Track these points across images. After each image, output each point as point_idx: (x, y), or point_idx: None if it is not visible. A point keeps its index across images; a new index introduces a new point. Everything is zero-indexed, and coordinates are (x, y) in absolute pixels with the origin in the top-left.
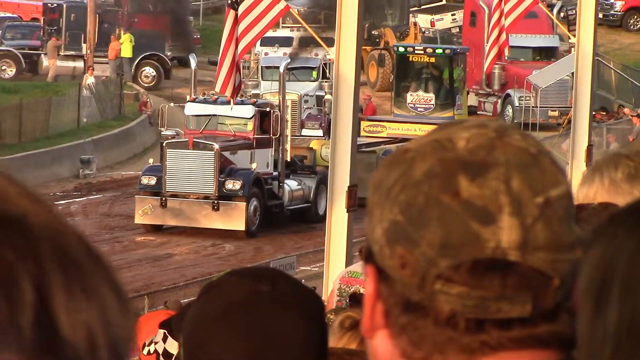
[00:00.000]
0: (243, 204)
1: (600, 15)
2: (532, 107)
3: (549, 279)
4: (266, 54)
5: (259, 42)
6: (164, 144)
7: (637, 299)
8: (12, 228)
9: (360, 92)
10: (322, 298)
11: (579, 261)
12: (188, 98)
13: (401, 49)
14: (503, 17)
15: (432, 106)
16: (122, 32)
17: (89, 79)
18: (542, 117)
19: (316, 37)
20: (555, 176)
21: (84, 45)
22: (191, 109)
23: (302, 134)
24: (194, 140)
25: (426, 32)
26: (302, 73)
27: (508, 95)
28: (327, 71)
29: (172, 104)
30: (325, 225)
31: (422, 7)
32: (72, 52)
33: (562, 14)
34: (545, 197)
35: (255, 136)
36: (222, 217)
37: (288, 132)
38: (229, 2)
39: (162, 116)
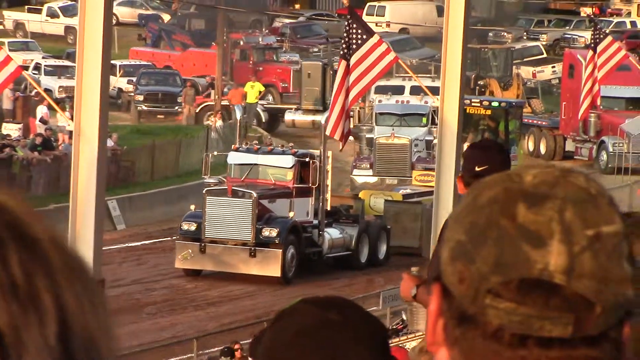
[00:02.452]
0: (279, 251)
1: None
2: (625, 152)
3: (592, 306)
4: (380, 101)
5: (373, 90)
6: (203, 191)
7: None
8: (26, 240)
9: None
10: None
11: (629, 298)
12: (232, 147)
13: None
14: (596, 70)
15: None
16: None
17: (218, 122)
18: (635, 162)
19: (422, 86)
20: (610, 215)
21: (211, 92)
22: (234, 157)
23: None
24: (233, 188)
25: (528, 83)
26: (413, 119)
27: (603, 141)
28: (436, 117)
29: (215, 152)
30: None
31: (525, 59)
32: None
33: None
34: (595, 231)
35: (295, 185)
36: (259, 264)
37: (329, 182)
38: (341, 53)
39: (205, 164)
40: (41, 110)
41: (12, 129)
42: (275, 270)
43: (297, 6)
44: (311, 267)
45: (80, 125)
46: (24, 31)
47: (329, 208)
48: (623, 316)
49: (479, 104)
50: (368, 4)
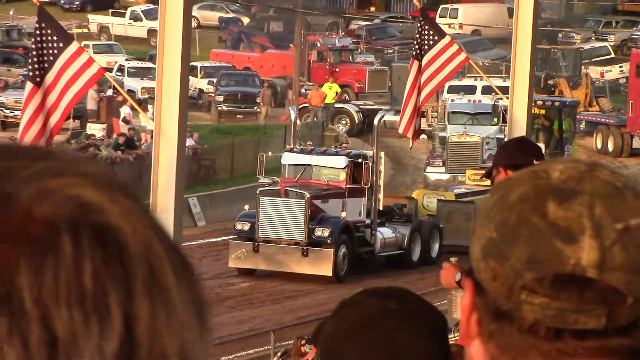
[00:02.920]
0: (331, 251)
1: None
2: None
3: (623, 297)
4: (452, 100)
5: (446, 89)
6: (257, 192)
7: None
8: (109, 248)
9: None
10: None
11: None
12: (286, 148)
13: None
14: None
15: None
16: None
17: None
18: None
19: (493, 85)
20: (637, 208)
21: (289, 92)
22: (288, 158)
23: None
24: (286, 188)
25: (596, 82)
26: (484, 118)
27: None
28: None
29: (269, 153)
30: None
31: (593, 59)
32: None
33: None
34: (624, 224)
35: (348, 185)
36: (311, 263)
37: (381, 182)
38: (414, 53)
39: (260, 165)
40: (124, 111)
41: (96, 129)
42: (327, 270)
43: (372, 9)
44: (364, 266)
45: (161, 125)
46: (108, 34)
47: (381, 208)
48: None
49: (533, 104)
50: (441, 6)
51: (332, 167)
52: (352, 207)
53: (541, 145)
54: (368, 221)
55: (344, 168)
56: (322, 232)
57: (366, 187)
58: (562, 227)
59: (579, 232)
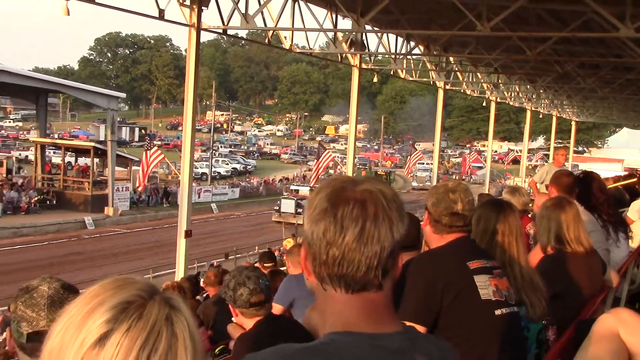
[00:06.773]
0: None
1: None
2: None
3: (467, 216)
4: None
5: None
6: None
7: (486, 224)
8: (394, 205)
9: None
10: None
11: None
12: None
13: None
14: None
15: None
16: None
17: None
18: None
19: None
20: (470, 193)
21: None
22: None
23: None
24: None
25: None
26: None
27: None
28: None
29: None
30: None
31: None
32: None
33: None
34: (468, 199)
35: None
36: None
37: None
38: None
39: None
40: None
41: None
42: None
43: None
44: None
45: None
46: None
47: None
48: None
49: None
50: None
51: None
52: None
53: None
54: None
55: None
56: None
57: None
58: (454, 200)
59: (459, 201)
